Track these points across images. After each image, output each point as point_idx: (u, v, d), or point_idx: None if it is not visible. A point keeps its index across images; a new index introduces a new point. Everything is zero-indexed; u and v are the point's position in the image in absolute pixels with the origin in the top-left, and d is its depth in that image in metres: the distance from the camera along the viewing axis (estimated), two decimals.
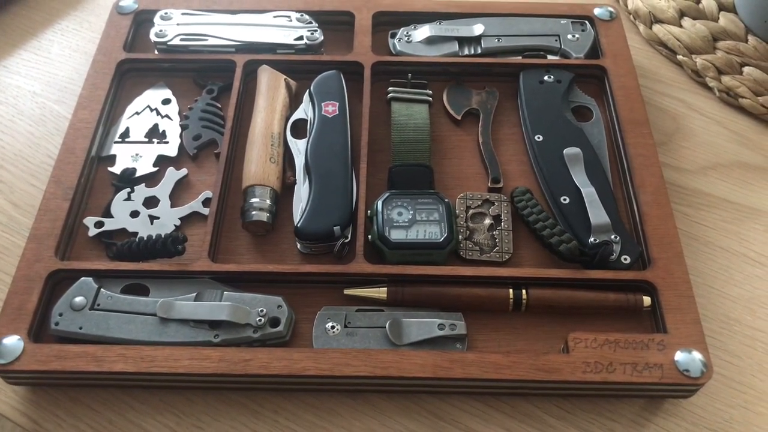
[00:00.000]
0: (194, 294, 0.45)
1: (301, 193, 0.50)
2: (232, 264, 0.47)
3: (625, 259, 0.47)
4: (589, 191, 0.49)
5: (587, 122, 0.55)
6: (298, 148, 0.53)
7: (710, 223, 0.53)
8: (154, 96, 0.58)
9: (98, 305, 0.44)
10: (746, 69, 0.61)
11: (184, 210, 0.51)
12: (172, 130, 0.55)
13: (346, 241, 0.48)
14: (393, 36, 0.61)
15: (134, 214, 0.50)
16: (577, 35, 0.60)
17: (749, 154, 0.58)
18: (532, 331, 0.46)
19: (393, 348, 0.43)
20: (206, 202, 0.51)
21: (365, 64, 0.57)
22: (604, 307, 0.46)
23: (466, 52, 0.60)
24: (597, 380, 0.41)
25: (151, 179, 0.53)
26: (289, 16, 0.60)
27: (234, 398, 0.44)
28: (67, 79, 0.62)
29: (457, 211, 0.50)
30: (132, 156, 0.53)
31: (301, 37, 0.59)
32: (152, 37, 0.58)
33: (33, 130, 0.58)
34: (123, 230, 0.49)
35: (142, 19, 0.62)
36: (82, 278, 0.45)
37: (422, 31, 0.60)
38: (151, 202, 0.51)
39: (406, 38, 0.60)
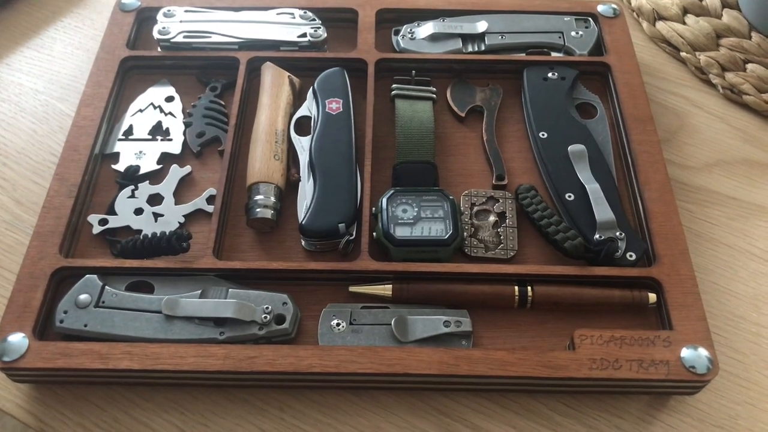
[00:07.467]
0: (199, 291, 0.45)
1: (306, 191, 0.50)
2: (237, 261, 0.47)
3: (631, 255, 0.47)
4: (593, 188, 0.49)
5: (591, 119, 0.55)
6: (302, 145, 0.53)
7: (714, 220, 0.53)
8: (157, 93, 0.57)
9: (103, 303, 0.44)
10: (750, 66, 0.61)
11: (188, 207, 0.51)
12: (176, 127, 0.55)
13: (351, 238, 0.48)
14: (396, 33, 0.61)
15: (138, 211, 0.50)
16: (580, 32, 0.60)
17: (753, 151, 0.58)
18: (538, 328, 0.46)
19: (398, 345, 0.43)
20: (210, 200, 0.51)
21: (369, 61, 0.57)
22: (609, 303, 0.46)
23: (470, 49, 0.60)
24: (603, 377, 0.41)
25: (155, 176, 0.53)
26: (292, 13, 0.60)
27: (239, 395, 0.44)
28: (70, 77, 0.62)
29: (461, 208, 0.50)
30: (136, 153, 0.53)
31: (304, 34, 0.59)
32: (155, 35, 0.58)
33: (36, 128, 0.58)
34: (127, 228, 0.49)
35: (144, 17, 0.62)
36: (87, 276, 0.45)
37: (426, 28, 0.60)
38: (155, 199, 0.51)
39: (409, 35, 0.60)
